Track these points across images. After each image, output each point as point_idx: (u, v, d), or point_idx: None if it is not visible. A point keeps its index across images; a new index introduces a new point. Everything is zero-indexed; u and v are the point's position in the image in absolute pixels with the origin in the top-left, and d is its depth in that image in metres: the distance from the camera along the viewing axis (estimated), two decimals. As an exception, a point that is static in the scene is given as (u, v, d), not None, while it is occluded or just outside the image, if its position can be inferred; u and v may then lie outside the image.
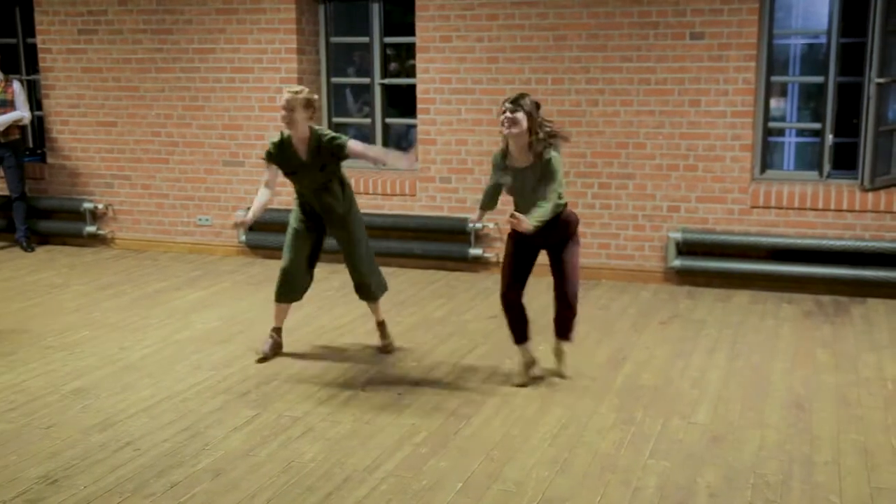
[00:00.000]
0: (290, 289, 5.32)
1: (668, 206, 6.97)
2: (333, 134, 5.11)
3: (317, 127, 5.12)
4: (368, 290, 5.38)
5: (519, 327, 4.94)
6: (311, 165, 5.08)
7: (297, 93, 4.97)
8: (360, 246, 5.32)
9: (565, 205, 4.76)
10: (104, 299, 6.73)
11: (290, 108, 4.94)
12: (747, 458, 3.96)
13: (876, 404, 4.57)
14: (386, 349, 5.46)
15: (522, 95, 4.58)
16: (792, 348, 5.49)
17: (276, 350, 5.40)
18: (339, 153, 5.04)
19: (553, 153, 4.58)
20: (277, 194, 7.81)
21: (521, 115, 4.51)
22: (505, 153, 4.72)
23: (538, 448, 4.07)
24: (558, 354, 5.02)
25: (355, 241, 5.29)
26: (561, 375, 4.97)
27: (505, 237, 5.04)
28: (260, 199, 5.17)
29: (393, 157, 5.19)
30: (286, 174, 5.20)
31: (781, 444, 4.10)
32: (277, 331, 5.45)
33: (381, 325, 5.53)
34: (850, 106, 7.09)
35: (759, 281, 6.79)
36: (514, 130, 4.53)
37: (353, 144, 5.06)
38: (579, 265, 4.87)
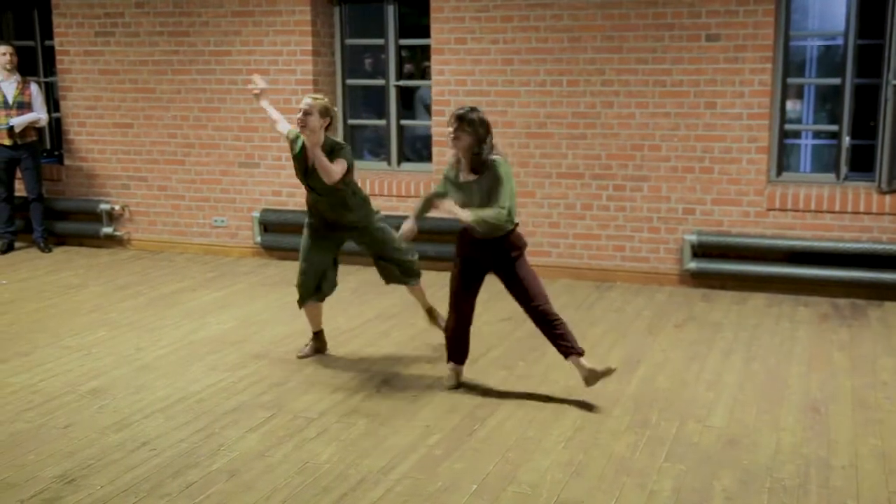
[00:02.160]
0: (308, 289, 5.30)
1: (683, 209, 6.95)
2: (340, 143, 5.11)
3: (331, 137, 5.11)
4: (412, 267, 5.41)
5: (456, 350, 4.89)
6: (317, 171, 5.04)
7: (316, 98, 4.98)
8: (390, 241, 5.31)
9: (515, 225, 4.56)
10: (120, 300, 6.77)
11: (307, 111, 4.92)
12: (763, 461, 3.94)
13: (894, 408, 4.54)
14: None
15: (471, 110, 4.47)
16: (808, 351, 5.46)
17: (315, 352, 5.47)
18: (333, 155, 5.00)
19: (498, 158, 4.46)
20: (292, 195, 7.90)
21: (462, 134, 4.41)
22: (457, 166, 4.61)
23: (553, 450, 4.07)
24: (580, 371, 4.65)
25: (384, 239, 5.30)
26: (590, 379, 4.63)
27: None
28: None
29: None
30: (299, 177, 5.20)
31: (798, 447, 4.08)
32: (315, 335, 5.48)
33: (430, 312, 5.61)
34: (868, 108, 7.04)
35: (776, 284, 6.76)
36: (459, 144, 4.47)
37: (338, 165, 4.99)
38: (536, 276, 4.65)
